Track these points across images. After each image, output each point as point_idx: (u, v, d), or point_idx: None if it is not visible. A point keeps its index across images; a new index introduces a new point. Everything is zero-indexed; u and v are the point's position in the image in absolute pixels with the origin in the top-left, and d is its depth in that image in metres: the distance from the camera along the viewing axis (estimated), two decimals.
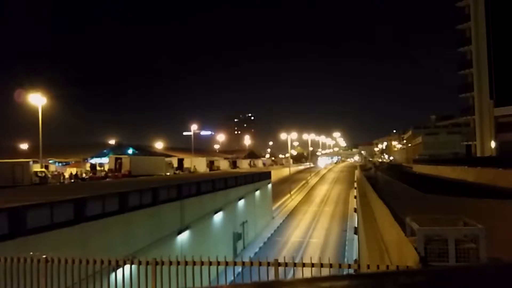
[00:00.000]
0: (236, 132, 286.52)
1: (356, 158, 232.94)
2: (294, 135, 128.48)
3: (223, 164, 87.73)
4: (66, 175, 53.97)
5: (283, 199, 72.47)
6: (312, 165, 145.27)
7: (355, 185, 70.05)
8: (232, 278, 8.64)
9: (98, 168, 63.79)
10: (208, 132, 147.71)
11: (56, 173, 51.31)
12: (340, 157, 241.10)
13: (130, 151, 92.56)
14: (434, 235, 8.72)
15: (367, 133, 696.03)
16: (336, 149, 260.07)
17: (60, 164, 78.19)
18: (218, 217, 34.88)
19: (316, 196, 77.84)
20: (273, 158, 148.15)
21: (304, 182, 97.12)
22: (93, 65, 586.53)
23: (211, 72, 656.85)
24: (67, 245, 16.08)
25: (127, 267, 8.36)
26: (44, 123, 44.37)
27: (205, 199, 32.65)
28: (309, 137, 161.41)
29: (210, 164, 80.00)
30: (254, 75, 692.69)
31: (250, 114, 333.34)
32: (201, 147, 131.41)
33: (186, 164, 70.38)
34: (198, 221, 30.15)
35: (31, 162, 41.27)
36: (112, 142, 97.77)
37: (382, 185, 42.53)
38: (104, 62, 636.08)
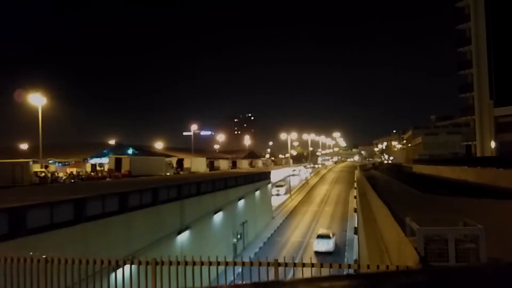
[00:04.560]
0: (236, 132, 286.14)
1: (356, 158, 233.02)
2: (294, 135, 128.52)
3: (223, 164, 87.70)
4: (62, 174, 53.90)
5: (283, 199, 72.53)
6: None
7: (355, 185, 70.09)
8: (232, 278, 8.64)
9: (98, 168, 63.76)
10: (208, 132, 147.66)
11: (62, 177, 51.05)
12: (339, 157, 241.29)
13: (130, 151, 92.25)
14: (434, 235, 8.73)
15: (367, 133, 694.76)
16: (336, 149, 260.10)
17: (60, 164, 78.05)
18: (218, 217, 34.88)
19: (316, 196, 77.87)
20: (273, 158, 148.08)
21: (304, 182, 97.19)
22: (93, 65, 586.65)
23: (211, 72, 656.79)
24: (67, 245, 16.09)
25: (127, 267, 8.36)
26: (44, 123, 44.35)
27: (205, 199, 32.65)
28: (309, 137, 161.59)
29: (210, 164, 79.98)
30: (254, 75, 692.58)
31: (250, 114, 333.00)
32: (201, 147, 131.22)
33: (186, 164, 70.31)
34: (198, 221, 30.15)
35: (31, 162, 41.22)
36: (112, 142, 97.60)
37: (382, 185, 42.54)
38: (104, 62, 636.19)
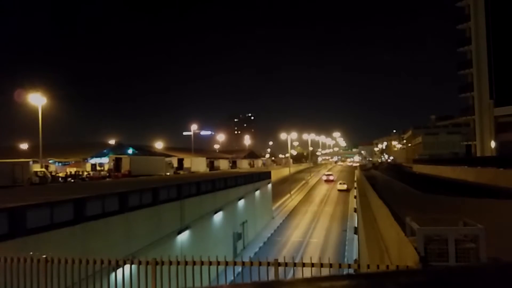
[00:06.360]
0: (236, 132, 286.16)
1: (356, 158, 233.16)
2: (294, 135, 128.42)
3: (223, 164, 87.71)
4: (62, 174, 53.91)
5: (283, 199, 72.52)
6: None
7: (355, 185, 70.11)
8: (232, 278, 8.64)
9: (98, 168, 63.77)
10: (208, 132, 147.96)
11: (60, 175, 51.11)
12: (339, 157, 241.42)
13: (130, 151, 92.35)
14: (434, 235, 8.73)
15: (367, 133, 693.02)
16: (336, 149, 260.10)
17: (60, 164, 78.09)
18: (218, 217, 34.88)
19: (316, 196, 77.86)
20: (273, 158, 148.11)
21: (304, 182, 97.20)
22: (94, 65, 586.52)
23: (211, 72, 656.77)
24: (67, 245, 16.08)
25: (127, 267, 8.37)
26: (44, 123, 44.37)
27: (205, 199, 32.64)
28: (309, 137, 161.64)
29: (210, 164, 79.99)
30: (254, 75, 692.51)
31: (250, 114, 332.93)
32: (201, 147, 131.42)
33: (186, 164, 70.30)
34: (198, 221, 30.15)
35: (31, 162, 41.24)
36: (112, 142, 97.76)
37: (382, 185, 42.56)
38: (104, 62, 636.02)
